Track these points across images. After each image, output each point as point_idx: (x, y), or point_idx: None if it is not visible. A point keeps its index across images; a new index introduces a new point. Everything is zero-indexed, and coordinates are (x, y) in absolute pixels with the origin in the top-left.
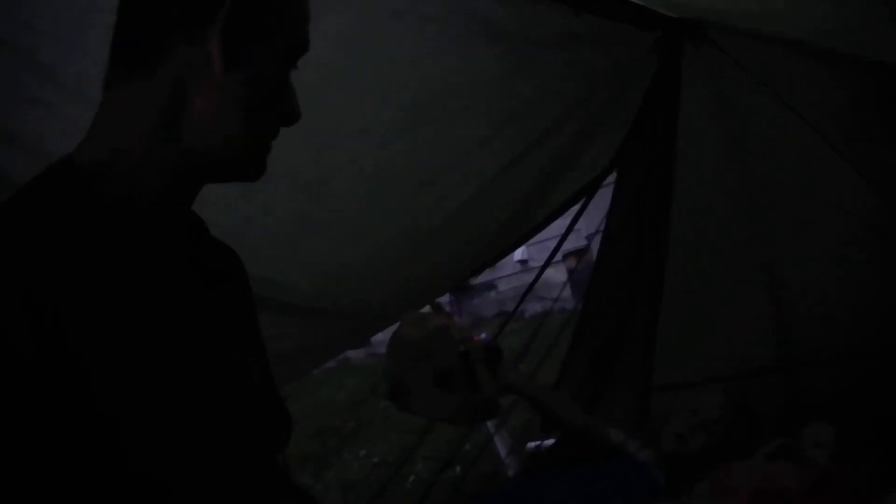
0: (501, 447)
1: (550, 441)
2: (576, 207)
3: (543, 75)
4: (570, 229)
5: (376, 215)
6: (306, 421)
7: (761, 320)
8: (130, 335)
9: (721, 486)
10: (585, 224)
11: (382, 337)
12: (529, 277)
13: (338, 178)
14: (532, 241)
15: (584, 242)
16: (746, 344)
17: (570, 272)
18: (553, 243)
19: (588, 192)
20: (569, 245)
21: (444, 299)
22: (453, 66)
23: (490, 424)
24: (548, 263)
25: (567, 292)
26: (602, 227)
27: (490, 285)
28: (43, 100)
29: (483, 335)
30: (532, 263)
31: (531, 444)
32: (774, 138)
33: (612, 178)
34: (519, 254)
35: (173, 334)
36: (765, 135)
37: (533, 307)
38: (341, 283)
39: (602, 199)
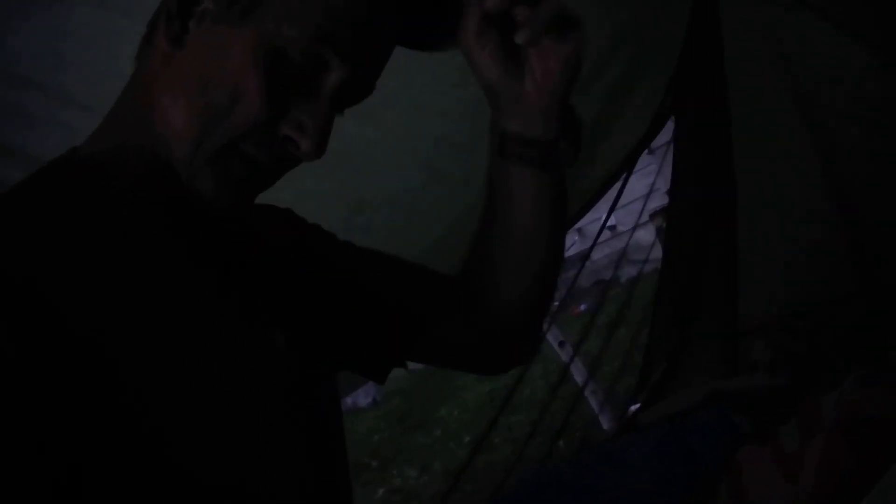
0: (602, 418)
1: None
2: (653, 168)
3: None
4: (619, 190)
5: (424, 189)
6: None
7: (836, 251)
8: (134, 322)
9: (808, 422)
10: (665, 183)
11: None
12: (620, 242)
13: (381, 155)
14: (619, 205)
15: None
16: (824, 277)
17: (659, 231)
18: (638, 205)
19: (646, 142)
20: (654, 204)
21: None
22: None
23: (590, 396)
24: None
25: (658, 252)
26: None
27: (583, 256)
28: (62, 122)
29: (582, 306)
30: (621, 228)
31: (633, 409)
32: (824, 55)
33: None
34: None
35: (178, 315)
36: (814, 53)
37: (628, 272)
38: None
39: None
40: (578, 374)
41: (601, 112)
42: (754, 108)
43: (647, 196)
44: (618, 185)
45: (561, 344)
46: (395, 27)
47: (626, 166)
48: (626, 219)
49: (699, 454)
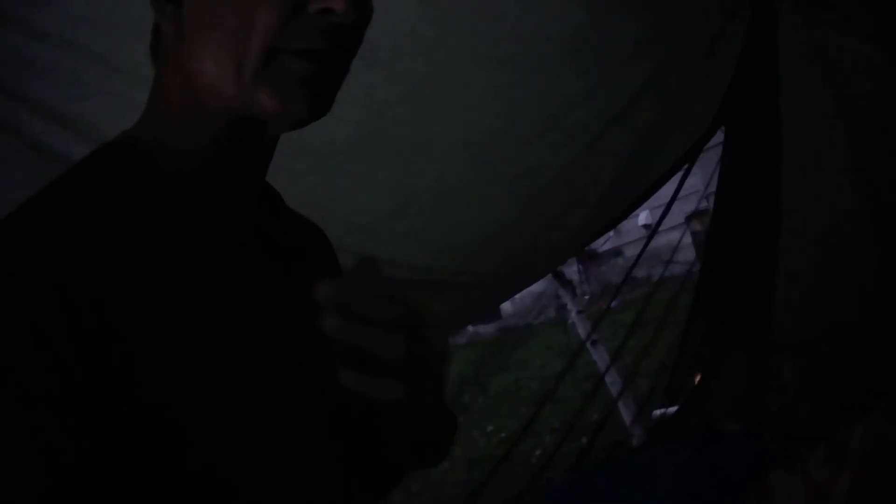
0: (626, 415)
1: (674, 408)
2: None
3: (637, 28)
4: (678, 188)
5: (476, 181)
6: None
7: (873, 276)
8: (187, 325)
9: (837, 452)
10: (707, 185)
11: (512, 310)
12: (655, 242)
13: (435, 145)
14: (656, 204)
15: (706, 204)
16: (859, 301)
17: (695, 235)
18: (675, 207)
19: (697, 150)
20: (690, 207)
21: (571, 267)
22: (547, 21)
23: (614, 392)
24: (654, 232)
25: (692, 255)
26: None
27: (617, 251)
28: (108, 89)
29: (613, 303)
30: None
31: (656, 412)
32: (876, 82)
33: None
34: (643, 218)
35: (233, 319)
36: (866, 80)
37: (658, 271)
38: (458, 255)
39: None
40: (611, 380)
41: (660, 116)
42: (803, 127)
43: (674, 197)
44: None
45: (589, 340)
46: None
47: (675, 169)
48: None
49: (728, 470)
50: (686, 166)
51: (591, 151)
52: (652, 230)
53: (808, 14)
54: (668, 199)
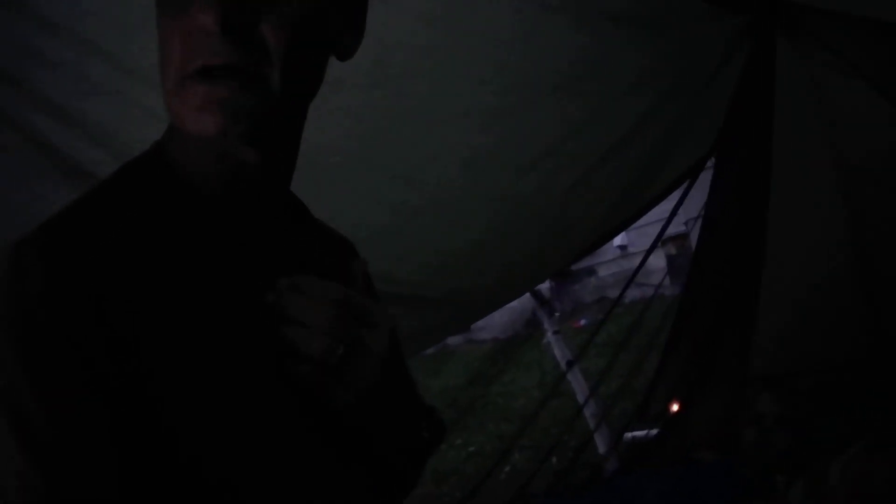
0: (600, 439)
1: (646, 433)
2: (676, 192)
3: (639, 58)
4: (672, 215)
5: (475, 202)
6: None
7: (853, 313)
8: (206, 334)
9: (816, 487)
10: (684, 209)
11: (482, 323)
12: (629, 263)
13: (435, 165)
14: (631, 226)
15: (682, 228)
16: (838, 337)
17: (670, 258)
18: (651, 229)
19: (689, 176)
20: (668, 231)
21: (544, 285)
22: (550, 48)
23: (589, 416)
24: (650, 252)
25: (667, 279)
26: (701, 213)
27: (590, 271)
28: (114, 88)
29: (583, 321)
30: (631, 248)
31: (628, 435)
32: (869, 123)
33: (710, 162)
34: (619, 239)
35: (249, 330)
36: (858, 119)
37: (632, 293)
38: (440, 271)
39: (700, 184)
40: (579, 390)
41: (656, 146)
42: (793, 163)
43: (668, 222)
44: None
45: (569, 363)
46: None
47: (664, 195)
48: (637, 240)
49: (708, 500)
50: (679, 193)
51: (586, 180)
52: (644, 256)
53: (805, 50)
54: (646, 222)
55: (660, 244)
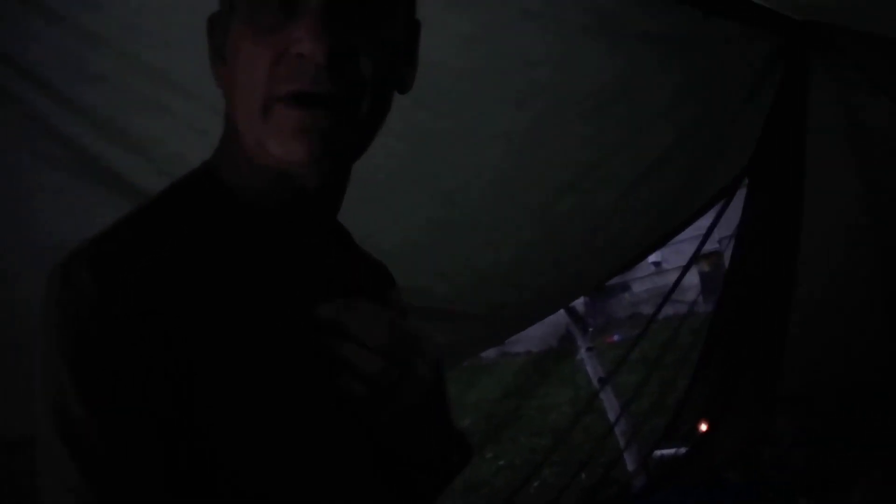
0: (629, 456)
1: (674, 451)
2: (711, 210)
3: (673, 80)
4: (708, 233)
5: (513, 221)
6: None
7: (878, 337)
8: (258, 352)
9: None
10: (719, 227)
11: (517, 336)
12: (663, 280)
13: (475, 185)
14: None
15: (716, 246)
16: (862, 360)
17: (703, 275)
18: (685, 246)
19: (724, 195)
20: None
21: (578, 301)
22: (588, 69)
23: (620, 433)
24: (686, 270)
25: (699, 296)
26: (735, 233)
27: (624, 286)
28: (158, 102)
29: (616, 337)
30: (665, 265)
31: (657, 453)
32: None
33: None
34: (653, 255)
35: (302, 347)
36: (889, 141)
37: (665, 310)
38: (478, 286)
39: (734, 202)
40: (610, 407)
41: (690, 169)
42: (825, 183)
43: (703, 242)
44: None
45: (601, 380)
46: None
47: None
48: (671, 257)
49: None
50: (715, 212)
51: (622, 200)
52: (680, 274)
53: (839, 73)
54: (680, 239)
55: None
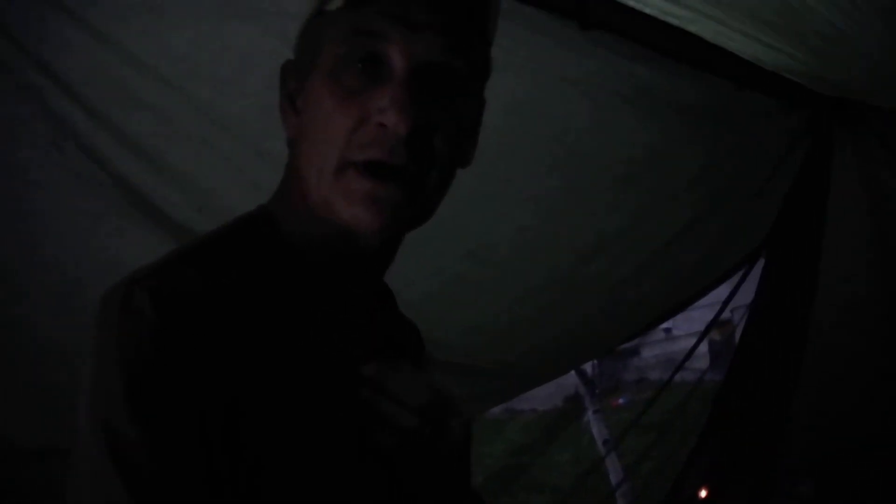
0: None
1: None
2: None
3: (702, 152)
4: (725, 305)
5: (536, 282)
6: None
7: (887, 417)
8: (300, 393)
9: None
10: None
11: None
12: (672, 346)
13: (502, 244)
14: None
15: (728, 315)
16: (874, 423)
17: (712, 344)
18: (696, 313)
19: (741, 267)
20: (712, 316)
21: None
22: (621, 137)
23: (620, 496)
24: (700, 341)
25: (707, 364)
26: (746, 303)
27: (633, 351)
28: (200, 136)
29: (621, 400)
30: (676, 332)
31: None
32: None
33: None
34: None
35: (337, 401)
36: None
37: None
38: (495, 342)
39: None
40: (613, 471)
41: (710, 243)
42: (841, 260)
43: (719, 312)
44: None
45: (605, 442)
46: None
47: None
48: (682, 324)
49: None
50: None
51: (642, 270)
52: (694, 344)
53: (864, 150)
54: (692, 308)
55: (704, 328)
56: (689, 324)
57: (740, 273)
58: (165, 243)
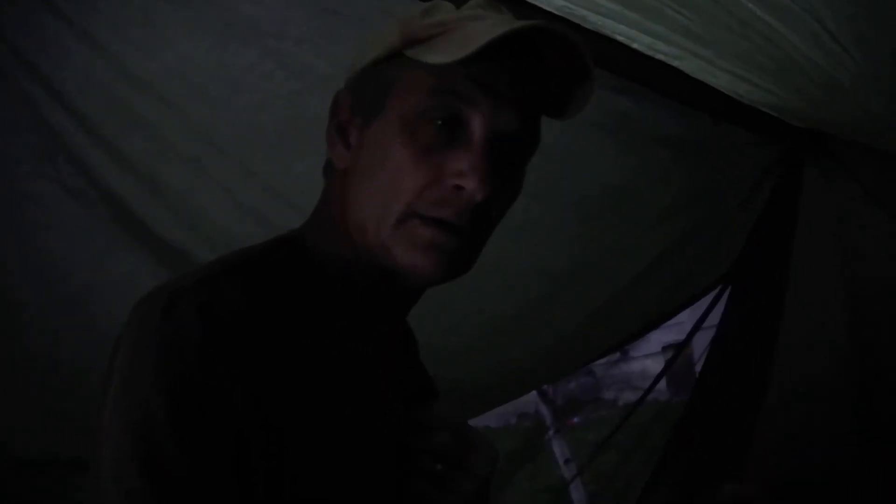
0: None
1: None
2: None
3: (678, 182)
4: (692, 333)
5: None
6: None
7: (847, 446)
8: (326, 411)
9: None
10: (688, 318)
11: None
12: (627, 366)
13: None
14: None
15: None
16: (833, 453)
17: (667, 364)
18: (654, 335)
19: (706, 293)
20: (669, 338)
21: None
22: (594, 168)
23: None
24: (667, 368)
25: (662, 384)
26: (702, 324)
27: (588, 371)
28: (191, 154)
29: (576, 419)
30: (632, 353)
31: None
32: (886, 255)
33: None
34: None
35: (367, 433)
36: (876, 251)
37: (626, 396)
38: (463, 359)
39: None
40: (577, 495)
41: (679, 273)
42: (807, 289)
43: (689, 338)
44: None
45: (567, 461)
46: (529, 69)
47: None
48: (639, 345)
49: None
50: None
51: (611, 301)
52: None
53: (831, 179)
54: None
55: (660, 350)
56: (644, 344)
57: (707, 298)
58: (153, 260)
